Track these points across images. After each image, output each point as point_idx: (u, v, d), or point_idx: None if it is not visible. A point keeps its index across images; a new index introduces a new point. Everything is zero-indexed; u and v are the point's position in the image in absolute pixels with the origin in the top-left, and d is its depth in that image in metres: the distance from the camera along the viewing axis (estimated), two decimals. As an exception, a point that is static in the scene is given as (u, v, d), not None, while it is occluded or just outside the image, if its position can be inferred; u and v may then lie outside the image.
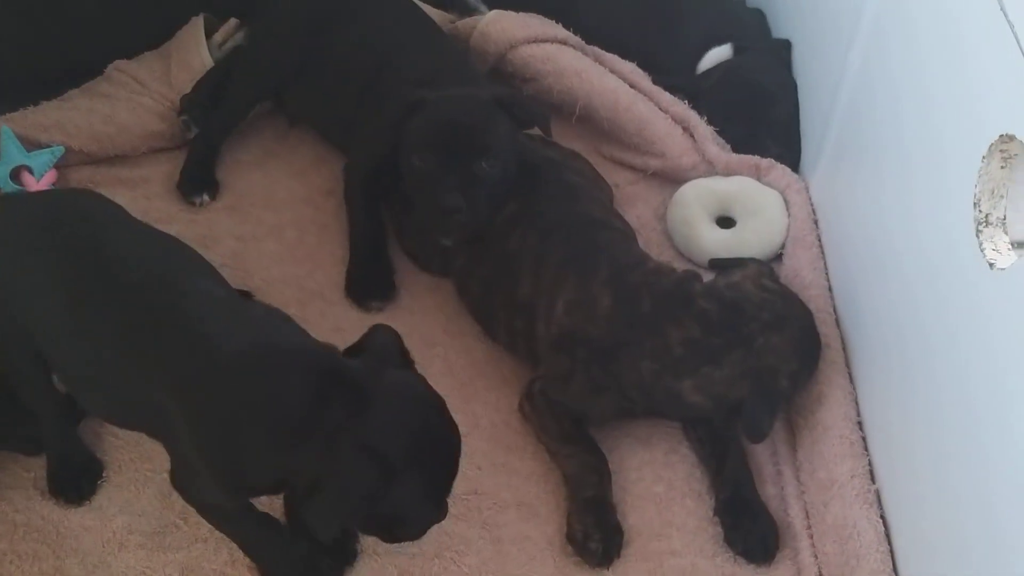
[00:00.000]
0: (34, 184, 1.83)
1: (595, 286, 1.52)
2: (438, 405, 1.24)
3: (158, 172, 1.94)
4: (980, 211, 1.11)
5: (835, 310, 1.63)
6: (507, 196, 1.66)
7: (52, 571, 1.41)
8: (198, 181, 1.89)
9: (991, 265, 1.08)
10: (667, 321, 1.46)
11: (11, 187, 1.83)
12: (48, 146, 1.87)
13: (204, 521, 1.45)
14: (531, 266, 1.58)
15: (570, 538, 1.45)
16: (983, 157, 1.10)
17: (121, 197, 1.87)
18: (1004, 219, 1.10)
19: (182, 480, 1.31)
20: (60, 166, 1.88)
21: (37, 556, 1.43)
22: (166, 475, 1.49)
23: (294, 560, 1.38)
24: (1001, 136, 1.06)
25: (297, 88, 1.93)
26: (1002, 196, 1.10)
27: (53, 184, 1.86)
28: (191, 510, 1.46)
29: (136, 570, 1.42)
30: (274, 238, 1.80)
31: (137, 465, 1.52)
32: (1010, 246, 1.08)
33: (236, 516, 1.34)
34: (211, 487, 1.26)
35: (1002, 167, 1.09)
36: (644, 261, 1.57)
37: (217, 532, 1.43)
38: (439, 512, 1.25)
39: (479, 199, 1.62)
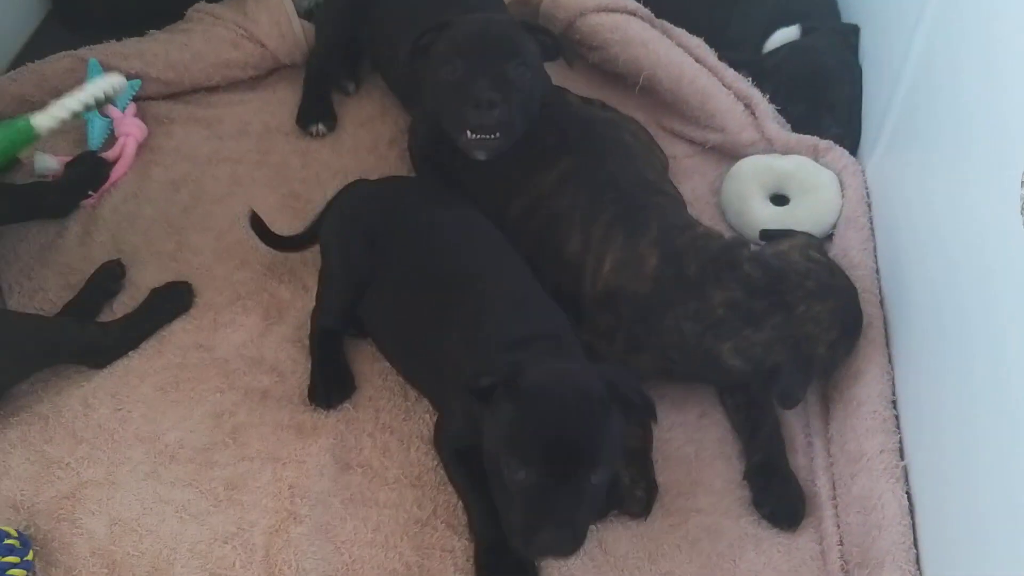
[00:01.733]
0: (119, 115, 1.92)
1: (643, 246, 1.55)
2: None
3: (231, 113, 2.03)
4: (1027, 190, 1.12)
5: (880, 291, 1.64)
6: (536, 117, 1.68)
7: (104, 476, 1.50)
8: (315, 112, 1.99)
9: (1033, 243, 1.09)
10: (711, 283, 1.49)
11: (99, 117, 1.93)
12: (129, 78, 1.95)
13: (252, 442, 1.53)
14: (581, 223, 1.61)
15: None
16: (1036, 137, 1.11)
17: (195, 135, 1.98)
18: (1051, 200, 1.11)
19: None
20: (139, 98, 1.97)
21: (92, 460, 1.51)
22: (219, 395, 1.59)
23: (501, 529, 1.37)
24: (1055, 116, 1.07)
25: (369, 37, 1.99)
26: (1051, 177, 1.11)
27: (135, 115, 1.95)
28: (240, 430, 1.54)
29: (183, 481, 1.49)
30: (338, 181, 1.85)
31: (193, 385, 1.60)
32: (1054, 226, 1.09)
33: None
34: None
35: (1054, 148, 1.10)
36: (693, 225, 1.60)
37: (264, 453, 1.52)
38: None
39: (513, 99, 1.61)
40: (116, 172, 1.89)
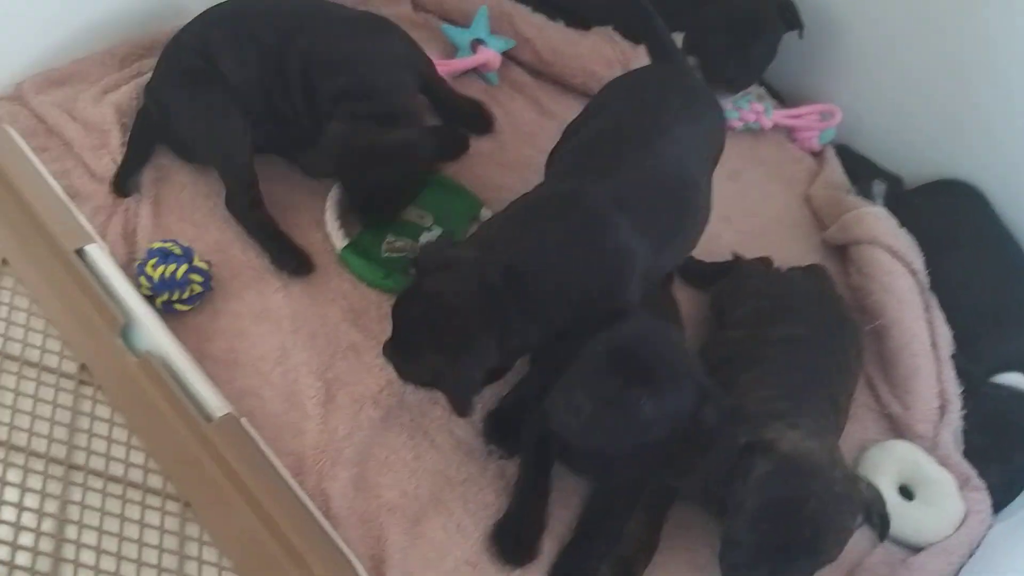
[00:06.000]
0: (483, 57, 2.26)
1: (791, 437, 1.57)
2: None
3: (565, 114, 2.26)
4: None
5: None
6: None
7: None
8: None
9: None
10: None
11: (466, 52, 2.27)
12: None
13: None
14: (762, 379, 1.73)
15: None
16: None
17: (528, 113, 2.28)
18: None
19: None
20: (511, 57, 2.31)
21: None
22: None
23: None
24: None
25: None
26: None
27: (496, 71, 2.29)
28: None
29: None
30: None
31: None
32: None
33: None
34: None
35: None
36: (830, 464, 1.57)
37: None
38: None
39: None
40: (458, 66, 2.24)
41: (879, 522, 1.50)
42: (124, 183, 1.86)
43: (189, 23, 1.90)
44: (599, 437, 1.45)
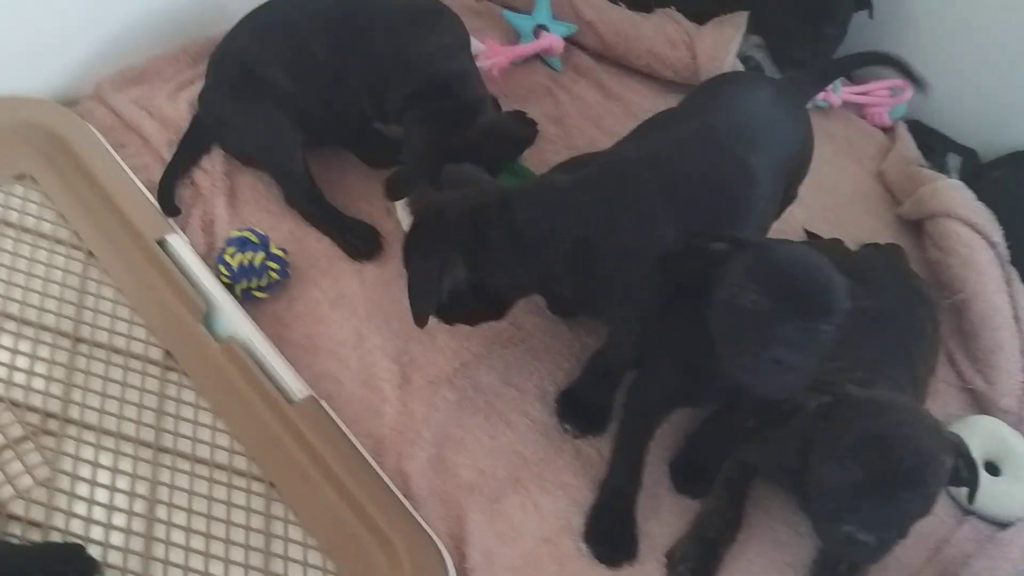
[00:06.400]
0: (546, 42, 2.27)
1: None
2: None
3: (630, 97, 2.30)
4: None
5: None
6: None
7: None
8: None
9: None
10: None
11: (529, 38, 2.28)
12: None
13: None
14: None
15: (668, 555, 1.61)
16: None
17: (592, 95, 2.27)
18: None
19: None
20: (573, 42, 2.30)
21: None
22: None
23: None
24: None
25: None
26: None
27: (559, 56, 2.30)
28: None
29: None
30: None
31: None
32: None
33: None
34: None
35: None
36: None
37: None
38: None
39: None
40: (521, 51, 2.26)
41: (967, 472, 1.43)
42: (169, 194, 1.85)
43: (233, 31, 1.91)
44: (805, 381, 1.37)
